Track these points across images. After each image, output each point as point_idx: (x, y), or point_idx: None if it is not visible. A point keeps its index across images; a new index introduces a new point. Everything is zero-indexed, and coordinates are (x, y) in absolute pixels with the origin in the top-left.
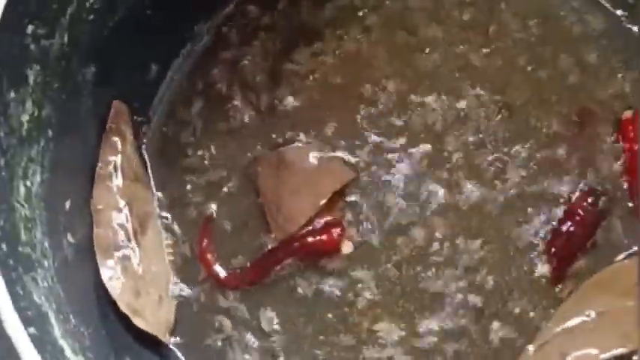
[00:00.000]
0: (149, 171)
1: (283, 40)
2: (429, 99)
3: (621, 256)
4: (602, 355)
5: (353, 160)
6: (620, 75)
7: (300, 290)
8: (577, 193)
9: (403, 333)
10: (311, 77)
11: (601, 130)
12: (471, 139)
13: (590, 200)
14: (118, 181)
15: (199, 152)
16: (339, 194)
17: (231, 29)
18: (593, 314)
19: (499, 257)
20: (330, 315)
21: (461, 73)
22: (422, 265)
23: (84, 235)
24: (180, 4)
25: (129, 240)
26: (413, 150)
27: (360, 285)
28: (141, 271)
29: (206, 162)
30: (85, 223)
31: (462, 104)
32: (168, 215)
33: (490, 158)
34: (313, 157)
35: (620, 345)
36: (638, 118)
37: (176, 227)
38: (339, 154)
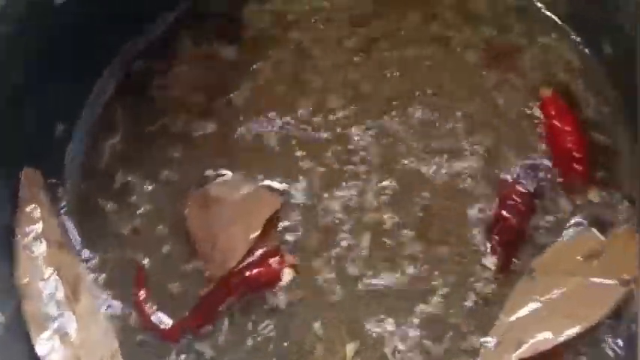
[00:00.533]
0: (70, 234)
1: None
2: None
3: (564, 235)
4: (559, 338)
5: (278, 186)
6: None
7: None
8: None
9: None
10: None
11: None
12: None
13: (519, 187)
14: (41, 250)
15: (120, 204)
16: (272, 222)
17: (130, 78)
18: (542, 298)
19: (446, 256)
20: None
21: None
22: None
23: (14, 311)
24: (78, 62)
25: (62, 309)
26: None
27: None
28: (79, 340)
29: (129, 213)
30: (13, 297)
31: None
32: (101, 275)
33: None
34: (240, 190)
35: (570, 325)
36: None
37: (110, 284)
38: (265, 182)
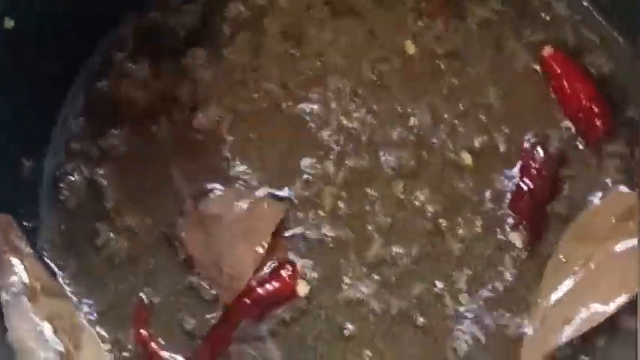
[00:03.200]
0: (59, 279)
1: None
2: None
3: (593, 198)
4: (608, 309)
5: (279, 193)
6: None
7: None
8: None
9: None
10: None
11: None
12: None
13: (539, 149)
14: (28, 302)
15: (106, 239)
16: (277, 232)
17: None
18: (582, 270)
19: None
20: None
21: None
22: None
23: None
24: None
25: None
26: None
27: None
28: None
29: (118, 246)
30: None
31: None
32: (100, 318)
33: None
34: (237, 203)
35: (618, 292)
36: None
37: (112, 327)
38: (262, 191)
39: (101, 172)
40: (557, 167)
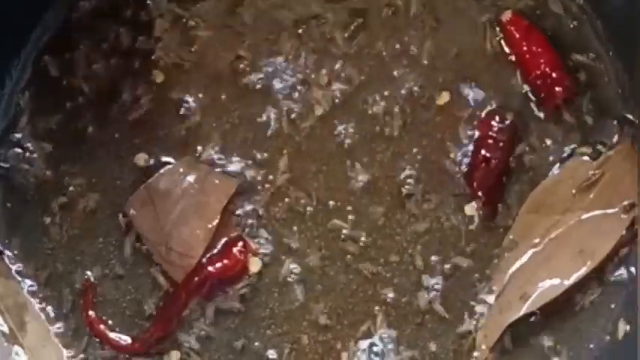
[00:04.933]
0: (5, 258)
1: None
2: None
3: (552, 168)
4: (566, 282)
5: (230, 167)
6: None
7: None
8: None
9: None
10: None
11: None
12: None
13: (496, 118)
14: None
15: (52, 215)
16: (228, 208)
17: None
18: (541, 242)
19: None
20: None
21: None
22: (350, 250)
23: None
24: None
25: (8, 344)
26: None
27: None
28: None
29: (65, 222)
30: None
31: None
32: (45, 298)
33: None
34: (188, 177)
35: (581, 265)
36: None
37: (58, 306)
38: (214, 164)
39: (49, 147)
40: (514, 136)
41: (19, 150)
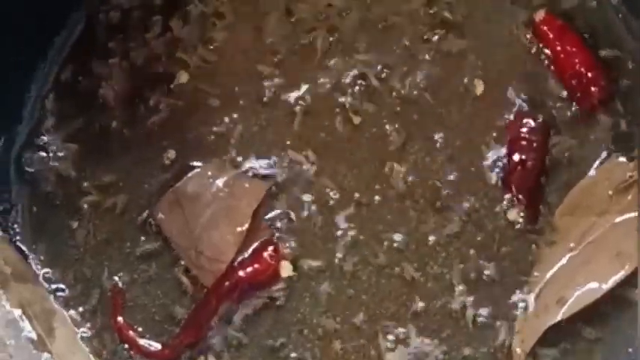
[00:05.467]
0: (31, 262)
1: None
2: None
3: (588, 169)
4: (604, 286)
5: (261, 170)
6: None
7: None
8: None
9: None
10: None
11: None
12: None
13: (528, 119)
14: None
15: (81, 220)
16: (258, 212)
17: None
18: (578, 245)
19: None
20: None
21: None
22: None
23: None
24: None
25: (37, 352)
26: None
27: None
28: None
29: (93, 228)
30: None
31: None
32: (74, 303)
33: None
34: (218, 181)
35: (619, 268)
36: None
37: (86, 312)
38: (243, 167)
39: (75, 149)
40: (548, 137)
41: (44, 154)
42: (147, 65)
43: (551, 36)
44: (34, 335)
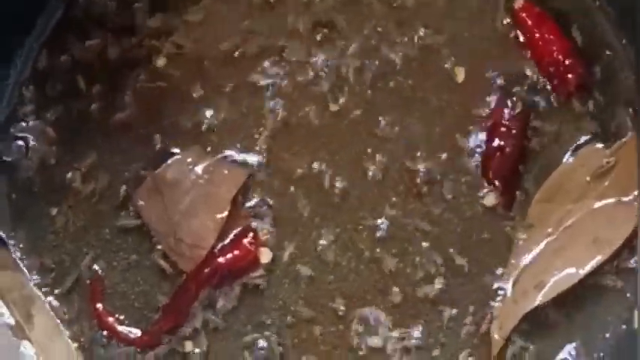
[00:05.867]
0: (10, 249)
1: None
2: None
3: (566, 156)
4: (582, 271)
5: (240, 156)
6: None
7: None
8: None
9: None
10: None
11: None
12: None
13: (508, 106)
14: None
15: (60, 206)
16: (238, 198)
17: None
18: (556, 231)
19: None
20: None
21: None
22: (363, 243)
23: None
24: None
25: (16, 338)
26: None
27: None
28: None
29: (72, 213)
30: None
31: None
32: (53, 290)
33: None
34: (196, 168)
35: (596, 253)
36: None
37: (65, 299)
38: (222, 154)
39: (55, 138)
40: (527, 124)
41: (21, 142)
42: (125, 50)
43: (529, 23)
44: (11, 321)
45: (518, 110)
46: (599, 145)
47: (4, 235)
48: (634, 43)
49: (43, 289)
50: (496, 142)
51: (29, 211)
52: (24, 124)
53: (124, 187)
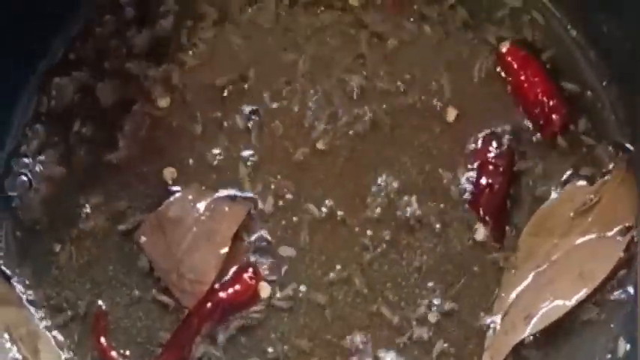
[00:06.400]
0: (16, 287)
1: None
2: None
3: (551, 192)
4: (568, 303)
5: (240, 193)
6: None
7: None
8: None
9: None
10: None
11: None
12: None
13: (494, 145)
14: None
15: (64, 243)
16: (239, 235)
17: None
18: (543, 264)
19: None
20: None
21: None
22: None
23: None
24: None
25: None
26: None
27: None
28: None
29: (76, 251)
30: None
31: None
32: (58, 326)
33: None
34: (199, 205)
35: (582, 286)
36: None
37: (70, 334)
38: (223, 192)
39: (58, 174)
40: (513, 162)
41: (25, 178)
42: (126, 90)
43: (515, 66)
44: (19, 357)
45: (503, 149)
46: (583, 183)
47: (9, 272)
48: (613, 84)
49: (47, 324)
50: (484, 180)
51: (33, 248)
52: (27, 160)
53: (126, 225)
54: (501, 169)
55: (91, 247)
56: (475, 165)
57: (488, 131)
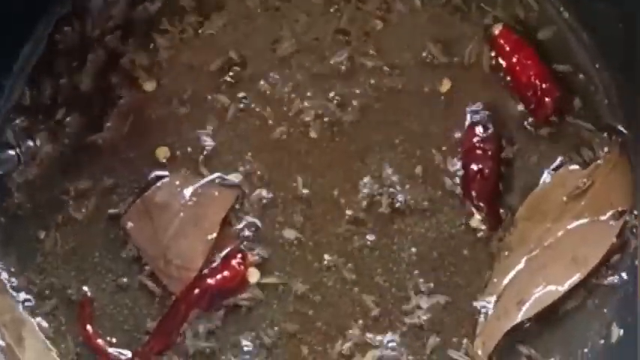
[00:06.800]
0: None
1: None
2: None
3: (544, 176)
4: (561, 289)
5: (229, 177)
6: None
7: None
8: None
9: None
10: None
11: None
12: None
13: (480, 129)
14: None
15: (48, 229)
16: (227, 220)
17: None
18: (536, 249)
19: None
20: None
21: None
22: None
23: None
24: None
25: None
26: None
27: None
28: None
29: (61, 237)
30: None
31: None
32: (42, 313)
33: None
34: (186, 190)
35: (575, 271)
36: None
37: (55, 321)
38: (211, 177)
39: (43, 160)
40: (501, 145)
41: (12, 152)
42: (112, 75)
43: (507, 49)
44: (2, 344)
45: (489, 132)
46: (575, 167)
47: None
48: (606, 66)
49: (32, 311)
50: (474, 166)
51: (18, 234)
52: (10, 149)
53: (112, 210)
54: (489, 153)
55: (76, 234)
56: (462, 151)
57: (476, 116)
